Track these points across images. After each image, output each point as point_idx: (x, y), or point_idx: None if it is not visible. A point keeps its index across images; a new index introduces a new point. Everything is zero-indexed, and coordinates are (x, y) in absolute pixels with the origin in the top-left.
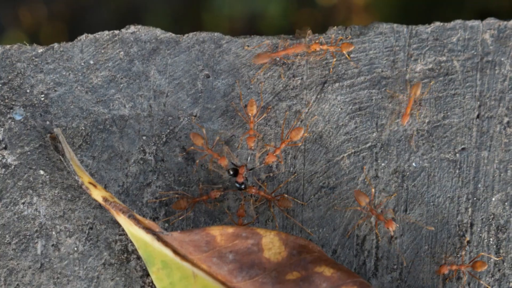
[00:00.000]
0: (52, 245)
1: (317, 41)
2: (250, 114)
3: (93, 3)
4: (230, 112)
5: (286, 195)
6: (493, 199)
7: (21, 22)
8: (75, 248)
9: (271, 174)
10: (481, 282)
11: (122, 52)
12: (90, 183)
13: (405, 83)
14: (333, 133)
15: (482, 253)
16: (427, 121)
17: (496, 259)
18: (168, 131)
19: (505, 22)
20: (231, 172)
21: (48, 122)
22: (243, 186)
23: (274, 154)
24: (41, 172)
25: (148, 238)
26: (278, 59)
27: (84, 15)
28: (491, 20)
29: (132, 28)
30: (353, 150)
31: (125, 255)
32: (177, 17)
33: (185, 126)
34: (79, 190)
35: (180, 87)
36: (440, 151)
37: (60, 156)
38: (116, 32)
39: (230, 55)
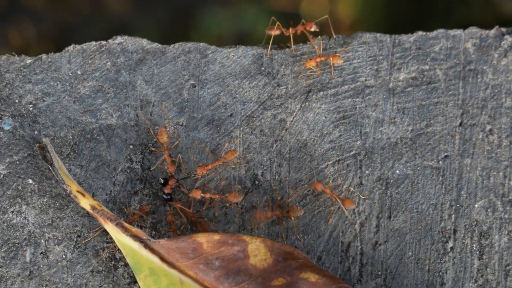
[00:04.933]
0: (41, 253)
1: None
2: (162, 142)
3: (82, 23)
4: (216, 121)
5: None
6: (476, 205)
7: (9, 42)
8: (64, 256)
9: (257, 182)
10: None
11: (109, 63)
12: (78, 191)
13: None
14: (318, 141)
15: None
16: (410, 129)
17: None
18: (155, 140)
19: (487, 31)
20: (162, 181)
21: (36, 132)
22: (169, 197)
23: (206, 168)
24: (30, 181)
25: (135, 245)
26: None
27: (72, 35)
28: (473, 29)
29: (119, 39)
30: (337, 158)
31: (113, 263)
32: (165, 37)
33: (171, 135)
34: (67, 198)
35: (167, 96)
36: (423, 159)
37: (49, 165)
38: (103, 42)
39: (215, 64)
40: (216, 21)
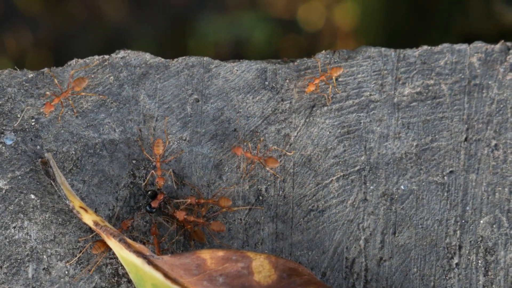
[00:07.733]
0: (43, 268)
1: (312, 82)
2: (156, 153)
3: (78, 30)
4: (220, 136)
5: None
6: (481, 221)
7: (6, 49)
8: (66, 272)
9: (261, 198)
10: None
11: (112, 77)
12: (81, 207)
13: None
14: (322, 157)
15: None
16: (415, 144)
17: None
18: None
19: (492, 46)
20: (150, 194)
21: (38, 147)
22: (153, 211)
23: (196, 201)
24: (32, 196)
25: (138, 261)
26: None
27: (70, 42)
28: (478, 44)
29: (122, 53)
30: (341, 173)
31: (116, 279)
32: (163, 44)
33: (175, 150)
34: (69, 214)
35: (170, 111)
36: (428, 174)
37: (51, 181)
38: (106, 57)
39: (219, 79)
40: (213, 29)
